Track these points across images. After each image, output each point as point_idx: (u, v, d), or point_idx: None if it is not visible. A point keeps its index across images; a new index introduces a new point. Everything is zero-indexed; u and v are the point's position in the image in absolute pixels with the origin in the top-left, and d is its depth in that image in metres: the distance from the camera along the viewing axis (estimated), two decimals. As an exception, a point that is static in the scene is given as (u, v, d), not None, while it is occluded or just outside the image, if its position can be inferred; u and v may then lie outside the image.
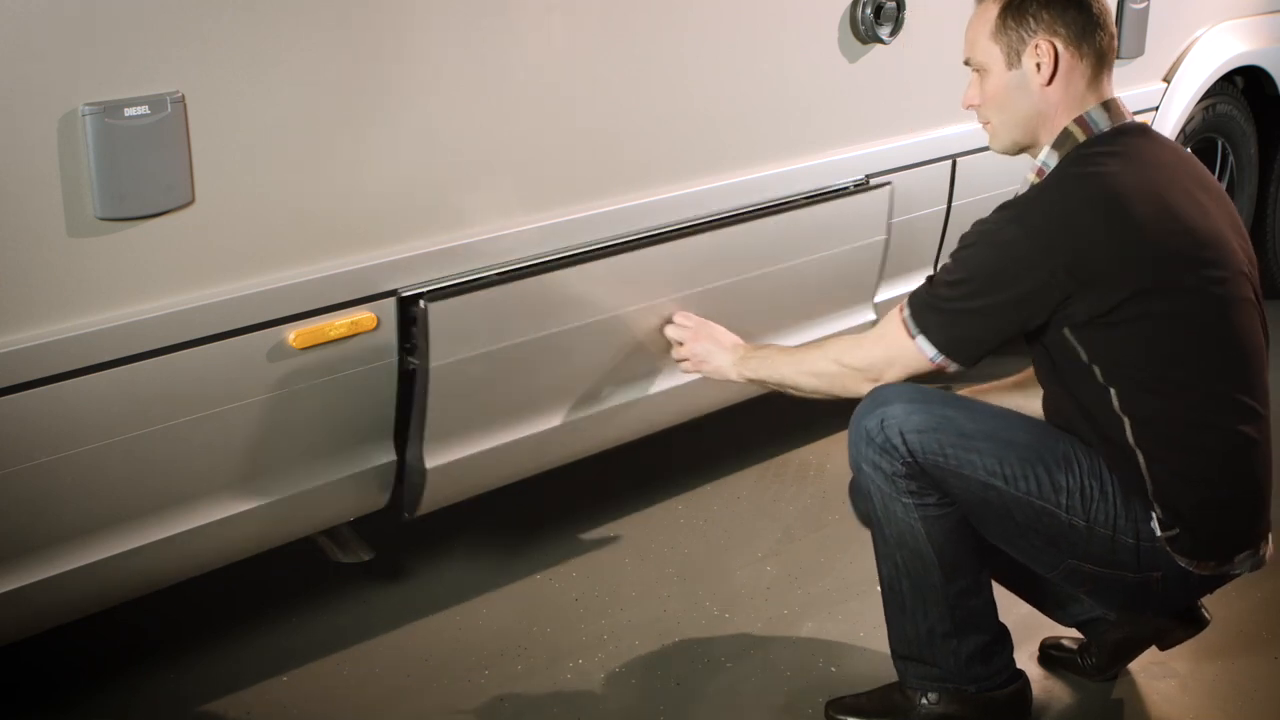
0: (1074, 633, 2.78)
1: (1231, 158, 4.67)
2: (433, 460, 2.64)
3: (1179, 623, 2.64)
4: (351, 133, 2.42)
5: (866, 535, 2.49)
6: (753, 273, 3.05)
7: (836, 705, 2.63)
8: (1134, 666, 2.78)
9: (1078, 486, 2.36)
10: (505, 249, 2.69)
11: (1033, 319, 2.33)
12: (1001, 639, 2.54)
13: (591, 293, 2.70)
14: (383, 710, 2.69)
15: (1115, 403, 2.32)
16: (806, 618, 3.00)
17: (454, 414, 2.61)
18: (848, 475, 2.51)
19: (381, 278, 2.51)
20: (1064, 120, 2.39)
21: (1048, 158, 2.39)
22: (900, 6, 3.27)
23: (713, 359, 2.78)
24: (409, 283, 2.55)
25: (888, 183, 3.25)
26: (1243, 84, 4.66)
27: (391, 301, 2.53)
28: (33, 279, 2.11)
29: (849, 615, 2.99)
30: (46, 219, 2.10)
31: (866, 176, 3.36)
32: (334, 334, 2.46)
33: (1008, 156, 2.51)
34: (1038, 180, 2.39)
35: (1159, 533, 2.35)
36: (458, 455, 2.68)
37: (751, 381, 2.74)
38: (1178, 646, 2.71)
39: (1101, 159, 2.33)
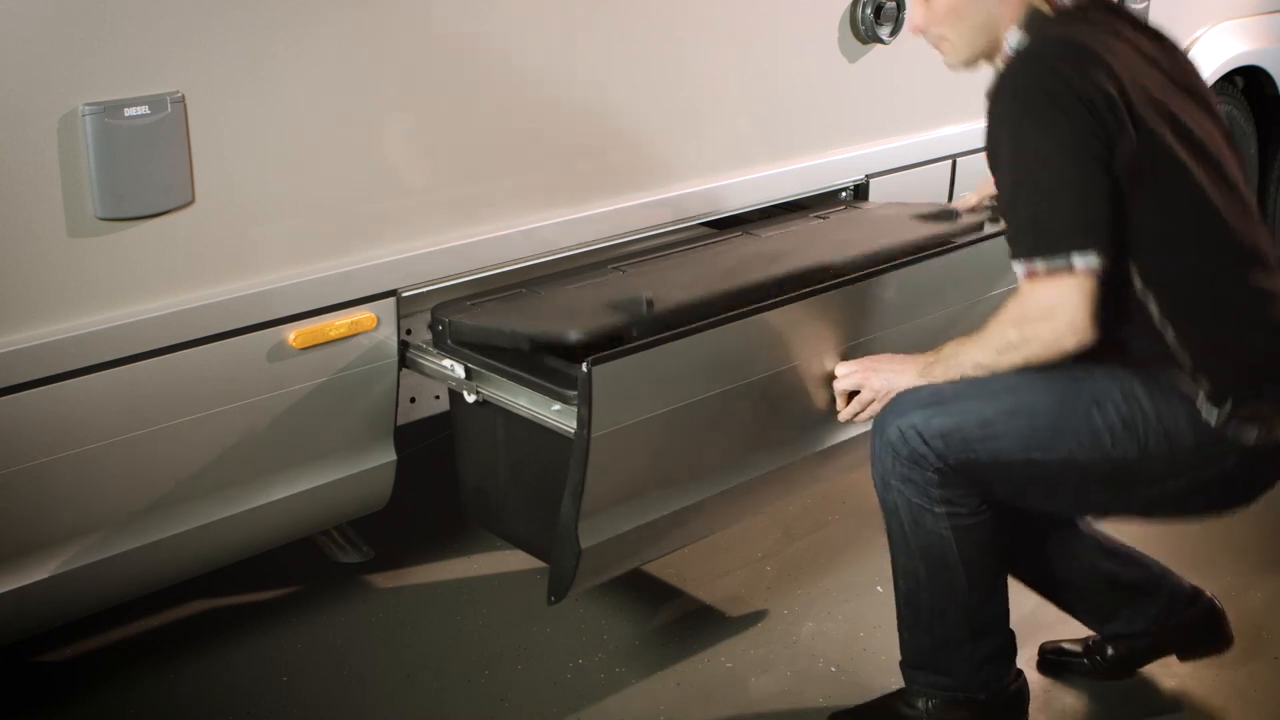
0: (1074, 633, 2.77)
1: (1231, 158, 4.68)
2: (588, 539, 2.37)
3: (1204, 636, 2.68)
4: (351, 132, 2.42)
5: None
6: (923, 317, 2.84)
7: (839, 718, 2.61)
8: (1134, 666, 2.79)
9: (1117, 418, 2.28)
10: (506, 249, 2.69)
11: (1110, 171, 2.23)
12: (1012, 642, 2.52)
13: (762, 346, 2.52)
14: (383, 710, 2.69)
15: (1138, 281, 2.27)
16: (806, 618, 3.00)
17: (613, 486, 2.40)
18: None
19: (381, 278, 2.51)
20: (1019, 13, 2.36)
21: (1018, 42, 2.36)
22: (900, 6, 3.27)
23: (898, 383, 2.49)
24: (409, 283, 2.55)
25: None
26: (1243, 84, 4.67)
27: (391, 301, 2.53)
28: (33, 279, 2.11)
29: (849, 615, 2.99)
30: (46, 219, 2.10)
31: (866, 176, 3.37)
32: (334, 334, 2.46)
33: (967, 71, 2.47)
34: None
35: (1214, 418, 2.26)
36: (615, 531, 2.42)
37: None
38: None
39: (1074, 23, 2.33)
